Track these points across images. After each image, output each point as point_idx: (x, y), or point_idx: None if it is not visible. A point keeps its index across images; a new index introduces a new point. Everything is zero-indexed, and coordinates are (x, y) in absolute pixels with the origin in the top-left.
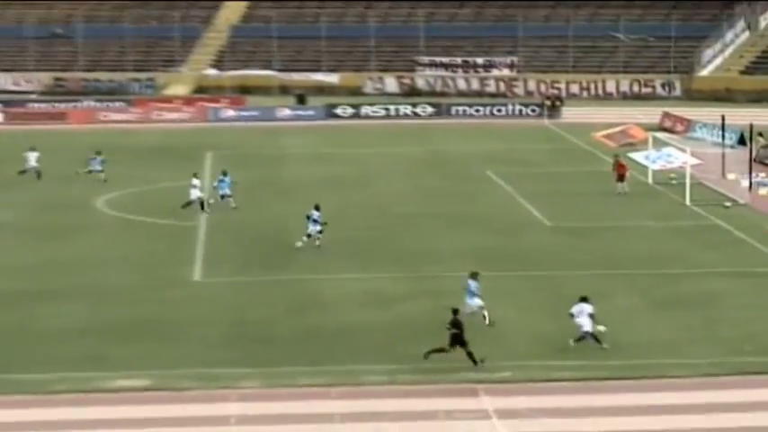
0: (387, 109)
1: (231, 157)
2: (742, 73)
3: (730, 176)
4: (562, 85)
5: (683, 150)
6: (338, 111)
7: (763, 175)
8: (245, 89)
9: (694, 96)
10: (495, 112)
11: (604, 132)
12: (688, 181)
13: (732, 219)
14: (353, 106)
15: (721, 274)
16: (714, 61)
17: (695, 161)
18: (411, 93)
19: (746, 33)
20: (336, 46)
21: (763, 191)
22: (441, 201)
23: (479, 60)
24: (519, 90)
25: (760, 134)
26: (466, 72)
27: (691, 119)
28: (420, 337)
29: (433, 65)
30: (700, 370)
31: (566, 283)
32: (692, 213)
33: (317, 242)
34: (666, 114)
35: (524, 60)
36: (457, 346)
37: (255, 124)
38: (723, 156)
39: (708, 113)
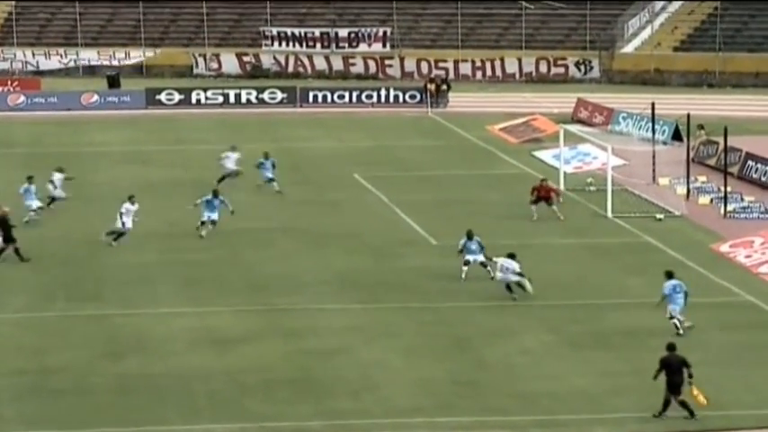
0: (225, 94)
1: (23, 156)
2: (676, 50)
3: (663, 181)
4: (449, 65)
5: (603, 148)
6: (162, 97)
7: (703, 179)
8: (40, 70)
9: (616, 79)
10: (363, 98)
11: (504, 125)
12: (610, 187)
13: (666, 235)
14: (181, 91)
15: (652, 305)
16: (641, 34)
17: (618, 161)
18: (256, 74)
19: None
20: (157, 13)
21: (703, 199)
22: (297, 212)
23: (343, 33)
24: (394, 71)
25: (700, 126)
26: (326, 47)
27: (612, 107)
28: (270, 388)
29: (282, 38)
30: (627, 427)
31: (459, 318)
32: (615, 228)
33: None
34: (582, 102)
35: (401, 33)
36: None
37: (54, 114)
38: (654, 155)
39: (634, 100)
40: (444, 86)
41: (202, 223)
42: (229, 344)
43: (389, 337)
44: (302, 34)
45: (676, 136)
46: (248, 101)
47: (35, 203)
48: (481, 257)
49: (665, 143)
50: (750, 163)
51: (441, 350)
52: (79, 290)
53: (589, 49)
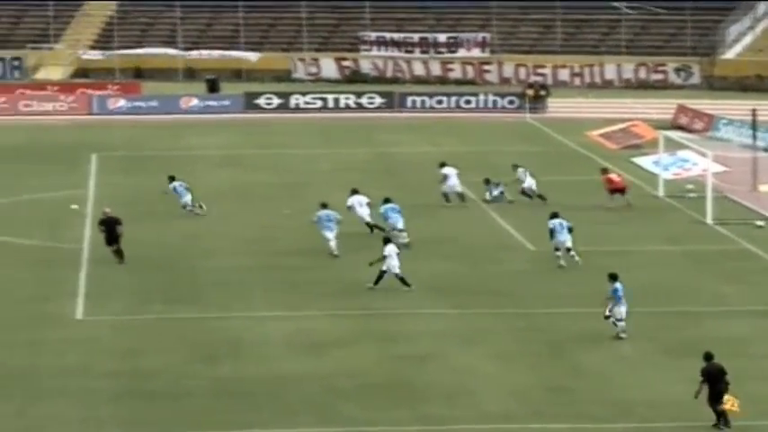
0: (323, 99)
1: (123, 159)
2: None
3: (763, 188)
4: (548, 71)
5: (704, 154)
6: (260, 101)
7: None
8: (141, 73)
9: (717, 85)
10: (461, 104)
11: (602, 131)
12: (709, 194)
13: (765, 242)
14: (280, 95)
15: (751, 313)
16: (742, 40)
17: (719, 168)
18: (354, 79)
19: None
20: (258, 18)
21: None
22: None
23: (441, 38)
24: (492, 76)
25: None
26: (424, 53)
27: (713, 114)
28: (365, 392)
29: (382, 43)
30: None
31: (553, 324)
32: (714, 235)
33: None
34: (682, 108)
35: (500, 38)
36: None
37: (154, 118)
38: (754, 161)
39: (734, 107)
40: (543, 92)
41: (394, 230)
42: (324, 348)
43: (484, 342)
44: (401, 39)
45: None
46: (346, 105)
47: (188, 197)
48: (569, 242)
49: (766, 150)
50: None
51: (535, 356)
52: (175, 293)
53: (690, 55)
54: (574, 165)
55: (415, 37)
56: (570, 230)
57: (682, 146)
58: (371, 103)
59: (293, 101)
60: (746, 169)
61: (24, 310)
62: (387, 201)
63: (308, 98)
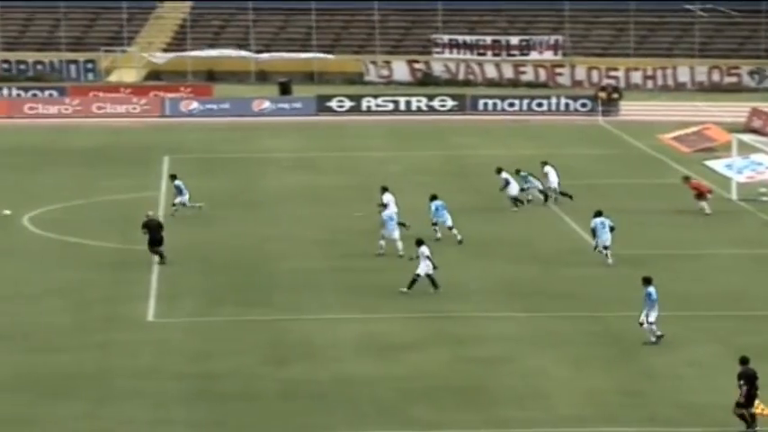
0: (395, 102)
1: (194, 162)
2: None
3: None
4: (620, 74)
5: None
6: (332, 104)
7: None
8: (213, 75)
9: None
10: (533, 107)
11: (675, 134)
12: None
13: None
14: (352, 98)
15: None
16: None
17: None
18: (426, 81)
19: None
20: (330, 20)
21: None
22: (464, 220)
23: (514, 40)
24: (565, 79)
25: None
26: (496, 55)
27: None
28: (437, 395)
29: (454, 46)
30: None
31: (625, 328)
32: None
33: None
34: (755, 111)
35: (572, 41)
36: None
37: (226, 120)
38: None
39: None
40: (615, 95)
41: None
42: (395, 351)
43: (556, 346)
44: (473, 42)
45: None
46: (418, 108)
47: (186, 197)
48: (608, 242)
49: None
50: None
51: (608, 360)
52: (246, 295)
53: (763, 58)
54: (646, 168)
55: (488, 39)
56: (612, 230)
57: (755, 149)
58: (443, 106)
59: (365, 103)
60: None
61: (97, 312)
62: (434, 198)
63: (379, 101)
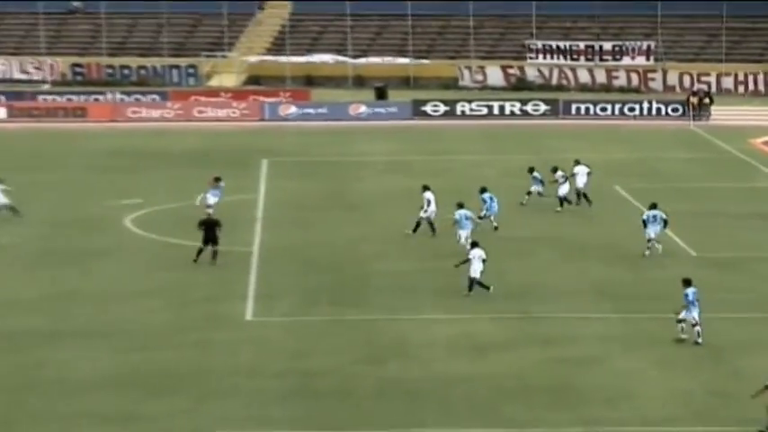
0: (489, 106)
1: (292, 165)
2: None
3: None
4: (712, 79)
5: None
6: (427, 108)
7: None
8: (311, 80)
9: None
10: (626, 111)
11: (766, 138)
12: None
13: None
14: (447, 103)
15: None
16: None
17: None
18: (520, 86)
19: None
20: (426, 27)
21: None
22: (555, 222)
23: (607, 46)
24: (657, 84)
25: None
26: (589, 61)
27: None
28: (528, 394)
29: (547, 51)
30: None
31: (716, 330)
32: None
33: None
34: None
35: (665, 46)
36: None
37: (323, 124)
38: None
39: None
40: (707, 100)
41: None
42: (488, 350)
43: (646, 347)
44: (566, 47)
45: None
46: (512, 113)
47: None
48: (654, 234)
49: None
50: None
51: (696, 361)
52: (342, 295)
53: None
54: (736, 171)
55: (581, 45)
56: (665, 224)
57: None
58: (536, 110)
59: (459, 108)
60: None
61: (197, 311)
62: (483, 190)
63: (473, 105)
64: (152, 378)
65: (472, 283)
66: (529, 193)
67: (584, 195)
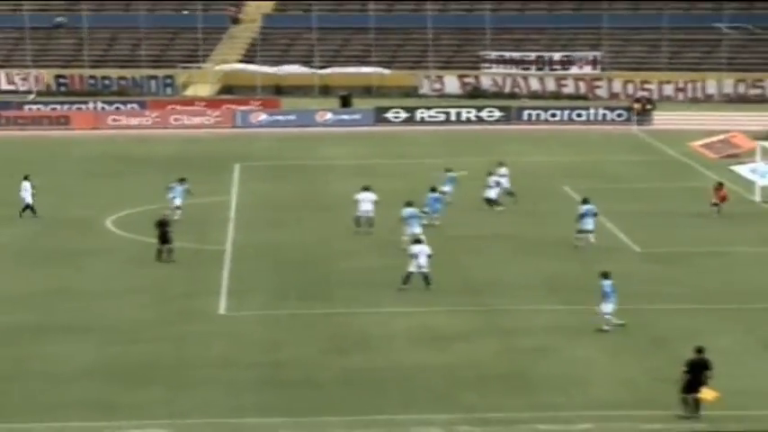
0: (446, 113)
1: (263, 168)
2: None
3: None
4: (654, 86)
5: None
6: (389, 115)
7: None
8: (280, 89)
9: None
10: (574, 117)
11: (704, 141)
12: None
13: None
14: (407, 110)
15: None
16: None
17: None
18: (475, 94)
19: None
20: (387, 39)
21: None
22: (509, 221)
23: (556, 56)
24: (602, 91)
25: None
26: (540, 70)
27: None
28: (484, 382)
29: (501, 61)
30: None
31: (659, 320)
32: None
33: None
34: None
35: (609, 56)
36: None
37: (292, 130)
38: None
39: None
40: (649, 106)
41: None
42: (446, 341)
43: (594, 336)
44: (519, 58)
45: None
46: (468, 119)
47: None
48: (589, 226)
49: None
50: None
51: (642, 349)
52: (310, 290)
53: None
54: (677, 173)
55: (532, 55)
56: (595, 215)
57: None
58: (491, 117)
59: (419, 114)
60: None
61: (174, 307)
62: (433, 190)
63: (432, 112)
64: (132, 369)
65: (408, 277)
66: (442, 192)
67: (511, 193)
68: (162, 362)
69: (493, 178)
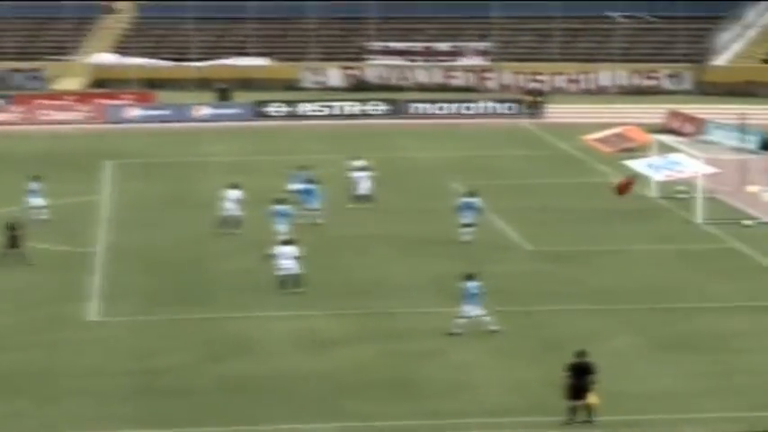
0: (330, 107)
1: (137, 166)
2: (766, 62)
3: (751, 189)
4: (545, 78)
5: (694, 157)
6: (269, 109)
7: None
8: (154, 83)
9: (708, 90)
10: (463, 110)
11: (597, 135)
12: (700, 194)
13: (753, 241)
14: (288, 103)
15: (739, 309)
16: (732, 47)
17: (709, 170)
18: (360, 87)
19: None
20: (267, 29)
21: None
22: (395, 220)
23: (444, 47)
24: (492, 83)
25: None
26: (427, 61)
27: (703, 118)
28: (370, 388)
29: (386, 52)
30: (713, 427)
31: (550, 321)
32: (704, 234)
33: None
34: (674, 113)
35: (499, 47)
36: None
37: (167, 126)
38: (742, 163)
39: (724, 111)
40: (540, 98)
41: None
42: (328, 346)
43: (484, 339)
44: (405, 48)
45: (765, 146)
46: (352, 113)
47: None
48: (469, 220)
49: (754, 152)
50: None
51: (533, 352)
52: (186, 294)
53: (681, 62)
54: (570, 168)
55: (419, 46)
56: (477, 210)
57: (673, 149)
58: (376, 110)
59: (301, 108)
60: (736, 171)
61: (41, 313)
62: (310, 182)
63: (314, 106)
64: None
65: (294, 280)
66: (291, 191)
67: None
68: (28, 371)
69: (357, 174)
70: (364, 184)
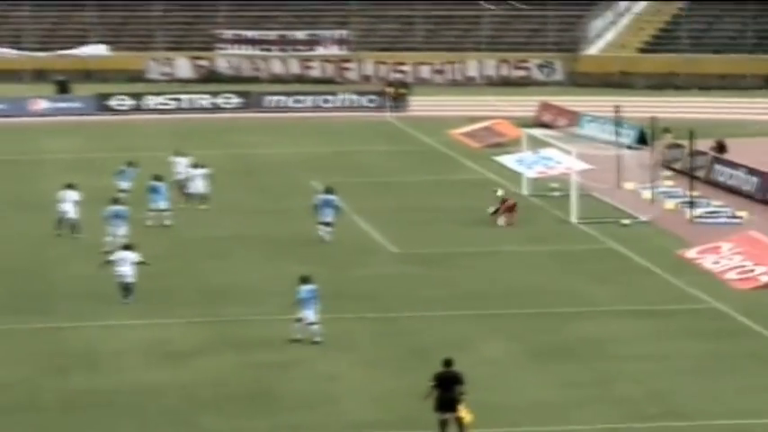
0: (178, 100)
1: None
2: (641, 51)
3: (628, 186)
4: (408, 68)
5: (567, 152)
6: (113, 102)
7: (669, 183)
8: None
9: (580, 81)
10: (321, 103)
11: (465, 129)
12: (574, 192)
13: (631, 241)
14: (133, 96)
15: (618, 313)
16: (605, 36)
17: (583, 166)
18: (210, 78)
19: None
20: (109, 16)
21: (669, 204)
22: (250, 221)
23: (300, 35)
24: (352, 74)
25: (666, 130)
26: (282, 51)
27: (576, 111)
28: (226, 402)
29: (238, 41)
30: None
31: (418, 328)
32: (579, 234)
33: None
34: (545, 105)
35: (359, 35)
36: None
37: (1, 121)
38: (618, 159)
39: (598, 103)
40: (403, 90)
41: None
42: (182, 357)
43: (347, 348)
44: (258, 37)
45: (642, 140)
46: (202, 107)
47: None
48: (329, 218)
49: (630, 147)
50: (717, 167)
51: (401, 362)
52: (25, 302)
53: (552, 51)
54: (436, 164)
55: (273, 35)
56: (337, 209)
57: (545, 144)
58: (228, 104)
59: (147, 102)
60: (611, 167)
61: None
62: (158, 178)
63: (162, 99)
64: None
65: (127, 288)
66: (122, 190)
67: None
68: None
69: (188, 171)
70: (198, 182)
